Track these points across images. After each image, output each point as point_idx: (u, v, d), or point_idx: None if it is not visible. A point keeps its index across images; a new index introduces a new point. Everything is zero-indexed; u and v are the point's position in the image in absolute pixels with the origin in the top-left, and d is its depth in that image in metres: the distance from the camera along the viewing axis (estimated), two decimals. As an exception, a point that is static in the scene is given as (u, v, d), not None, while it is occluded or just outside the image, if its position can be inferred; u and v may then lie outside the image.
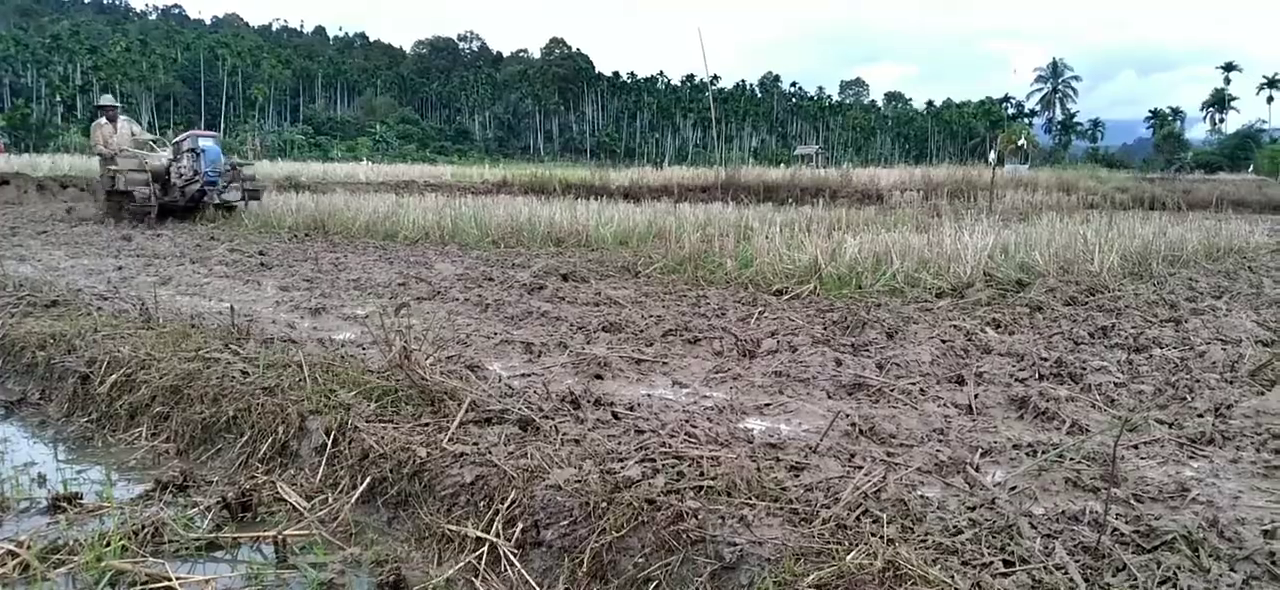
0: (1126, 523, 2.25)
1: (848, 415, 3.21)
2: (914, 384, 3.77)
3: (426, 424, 2.98)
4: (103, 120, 14.37)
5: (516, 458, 2.61)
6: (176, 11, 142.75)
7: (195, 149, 14.12)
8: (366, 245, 10.32)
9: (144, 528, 2.61)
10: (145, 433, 3.58)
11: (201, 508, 2.82)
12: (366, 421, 3.01)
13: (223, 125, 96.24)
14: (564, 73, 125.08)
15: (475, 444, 2.73)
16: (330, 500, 2.80)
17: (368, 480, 2.77)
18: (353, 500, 2.77)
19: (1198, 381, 3.79)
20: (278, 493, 2.87)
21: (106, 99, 14.91)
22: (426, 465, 2.67)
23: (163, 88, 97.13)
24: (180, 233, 11.71)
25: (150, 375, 3.76)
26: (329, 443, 2.96)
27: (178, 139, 14.80)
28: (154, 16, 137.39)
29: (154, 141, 14.90)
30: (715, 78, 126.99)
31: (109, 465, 3.35)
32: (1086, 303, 5.92)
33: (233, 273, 7.70)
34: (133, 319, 4.93)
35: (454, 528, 2.51)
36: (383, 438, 2.86)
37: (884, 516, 2.21)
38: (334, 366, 3.62)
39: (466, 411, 2.98)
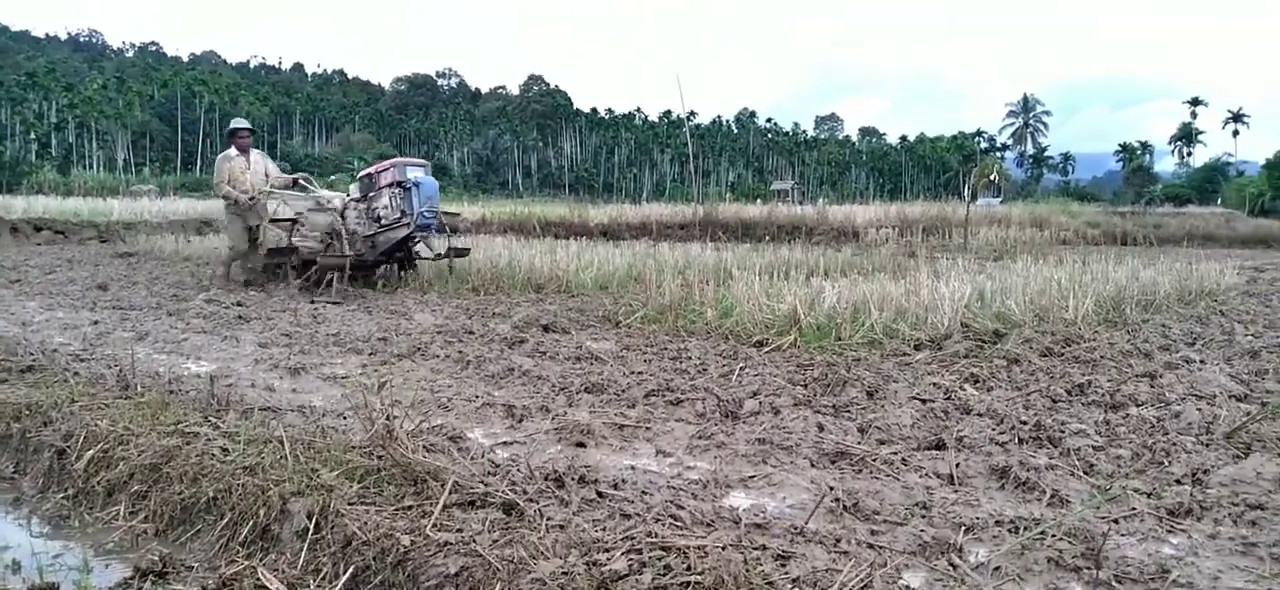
0: (1109, 613, 2.27)
1: (832, 488, 3.22)
2: (896, 452, 3.79)
3: (409, 506, 2.96)
4: (232, 151, 11.27)
5: (501, 546, 2.60)
6: (154, 48, 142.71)
7: (403, 182, 10.42)
8: (345, 293, 10.26)
9: (123, 621, 2.58)
10: (123, 511, 3.53)
11: (181, 596, 2.79)
12: (349, 504, 2.98)
13: (200, 162, 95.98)
14: (542, 109, 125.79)
15: (459, 531, 2.72)
16: (313, 589, 2.78)
17: (351, 569, 2.74)
18: None
19: (1174, 445, 3.83)
20: (259, 580, 2.83)
21: (240, 122, 11.63)
22: (410, 554, 2.65)
23: (139, 125, 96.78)
24: (156, 283, 11.59)
25: (128, 451, 3.72)
26: (311, 527, 2.94)
27: (367, 171, 11.24)
28: (131, 53, 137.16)
29: (304, 181, 11.58)
30: (691, 114, 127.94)
31: (86, 547, 3.31)
32: (1062, 354, 5.99)
33: (210, 327, 7.63)
34: (110, 386, 4.88)
35: (439, 619, 2.50)
36: (366, 523, 2.84)
37: (870, 609, 2.22)
38: (315, 443, 3.60)
39: (449, 493, 2.97)
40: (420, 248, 11.32)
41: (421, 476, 3.12)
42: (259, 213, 10.93)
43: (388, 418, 3.38)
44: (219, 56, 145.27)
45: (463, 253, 11.38)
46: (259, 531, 3.09)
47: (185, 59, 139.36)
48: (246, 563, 2.94)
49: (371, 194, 10.71)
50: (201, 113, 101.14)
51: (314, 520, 2.95)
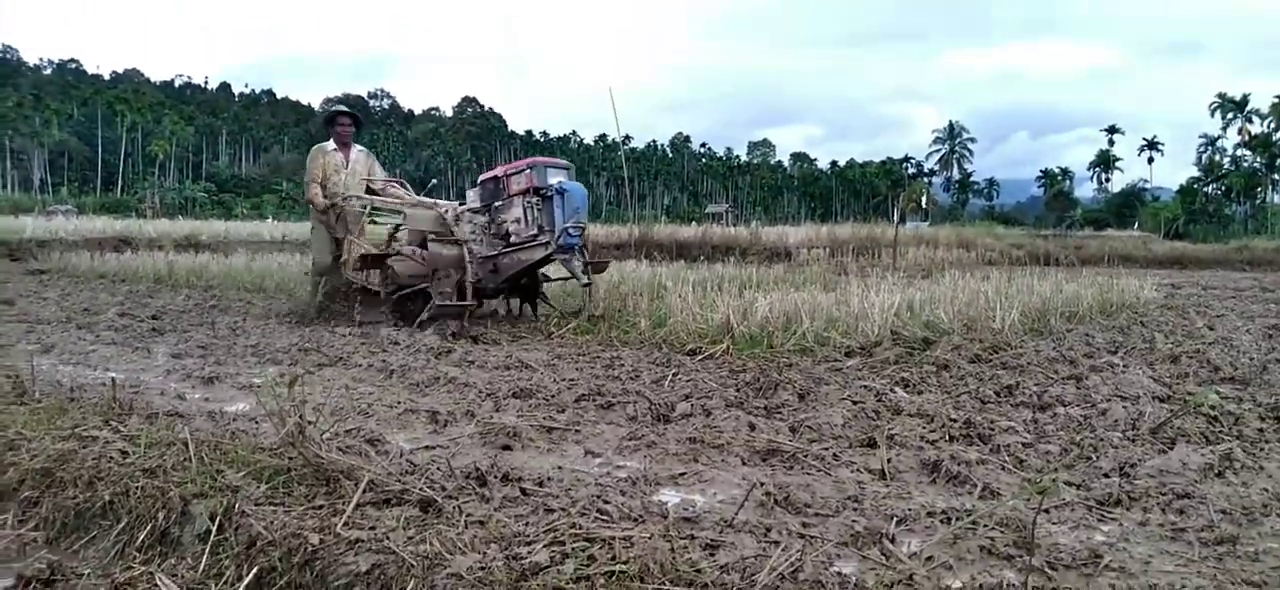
0: (1043, 595, 2.22)
1: (763, 484, 3.14)
2: (827, 449, 3.74)
3: (320, 506, 2.80)
4: (329, 144, 9.08)
5: (416, 543, 2.46)
6: (73, 66, 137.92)
7: (542, 189, 7.83)
8: (267, 309, 9.94)
9: (0, 631, 2.37)
10: (12, 520, 3.28)
11: (69, 605, 2.59)
12: (256, 505, 2.81)
13: (121, 183, 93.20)
14: (476, 131, 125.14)
15: (372, 529, 2.57)
16: (213, 592, 2.59)
17: (255, 570, 2.57)
18: (238, 592, 2.57)
19: (1101, 440, 3.85)
20: (156, 585, 2.64)
21: (342, 106, 9.39)
22: (319, 553, 2.49)
23: (57, 144, 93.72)
24: (67, 298, 11.11)
25: (19, 457, 3.47)
26: (213, 529, 2.76)
27: (493, 173, 8.47)
28: (49, 70, 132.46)
29: (397, 187, 9.33)
30: (627, 137, 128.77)
31: (-33, 558, 3.06)
32: (990, 360, 6.02)
33: (122, 339, 7.30)
34: (5, 394, 4.59)
35: (348, 620, 2.34)
36: (272, 523, 2.67)
37: (801, 596, 2.13)
38: (222, 444, 3.41)
39: (364, 492, 2.82)
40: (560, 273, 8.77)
41: (334, 476, 2.96)
42: (349, 223, 8.89)
43: (300, 416, 3.21)
44: (142, 75, 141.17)
45: (600, 267, 8.88)
46: (158, 535, 2.88)
47: (106, 77, 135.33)
48: (143, 568, 2.74)
49: (498, 204, 8.23)
50: (123, 131, 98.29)
51: (217, 521, 2.77)
